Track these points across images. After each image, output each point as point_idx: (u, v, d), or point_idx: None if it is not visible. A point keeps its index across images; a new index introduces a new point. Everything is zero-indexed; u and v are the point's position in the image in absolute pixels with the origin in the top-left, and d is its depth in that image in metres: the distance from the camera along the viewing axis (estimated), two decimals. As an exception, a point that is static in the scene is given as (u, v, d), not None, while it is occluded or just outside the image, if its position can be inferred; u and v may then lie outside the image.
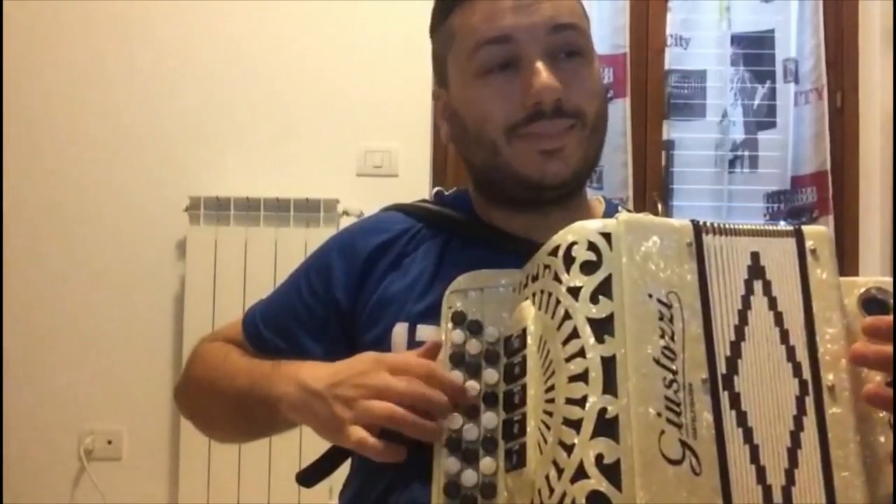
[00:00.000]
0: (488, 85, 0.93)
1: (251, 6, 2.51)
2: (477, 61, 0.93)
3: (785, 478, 0.68)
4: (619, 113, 2.49)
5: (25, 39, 2.50)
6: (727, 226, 0.75)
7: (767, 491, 0.68)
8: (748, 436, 0.69)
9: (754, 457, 0.68)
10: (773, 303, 0.73)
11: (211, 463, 2.33)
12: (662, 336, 0.68)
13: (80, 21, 2.51)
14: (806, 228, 0.75)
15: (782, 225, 0.76)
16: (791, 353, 0.72)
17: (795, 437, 0.69)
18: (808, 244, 0.74)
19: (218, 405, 0.99)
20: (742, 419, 0.69)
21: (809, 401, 0.70)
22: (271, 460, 2.30)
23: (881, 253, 2.38)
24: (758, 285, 0.73)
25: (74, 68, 2.51)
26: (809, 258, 0.74)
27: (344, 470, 1.04)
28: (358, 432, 0.78)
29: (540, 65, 0.91)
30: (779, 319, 0.72)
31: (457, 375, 0.79)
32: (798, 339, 0.72)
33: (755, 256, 0.74)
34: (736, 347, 0.71)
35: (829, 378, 0.71)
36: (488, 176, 0.97)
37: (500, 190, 0.97)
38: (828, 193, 2.48)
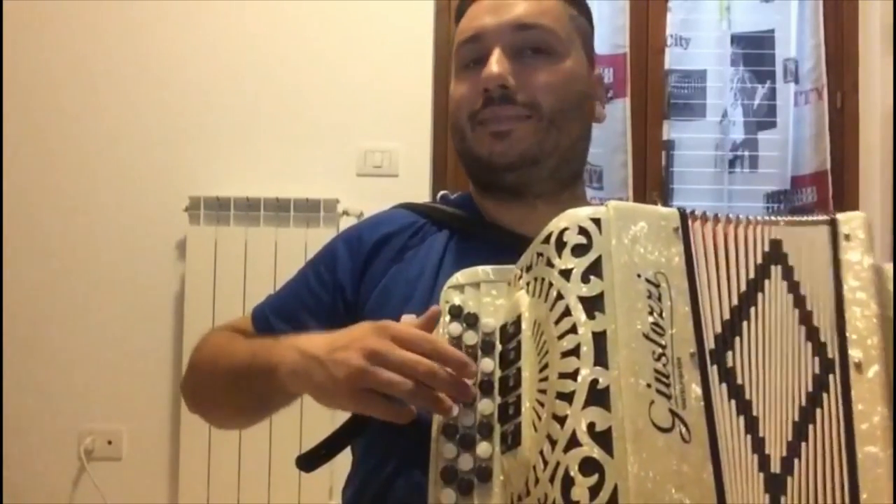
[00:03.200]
0: (461, 80, 1.03)
1: (251, 7, 2.52)
2: (457, 60, 1.05)
3: (787, 449, 0.70)
4: (619, 113, 2.49)
5: (25, 39, 2.51)
6: (751, 218, 0.78)
7: (764, 460, 0.69)
8: (744, 408, 0.70)
9: (750, 427, 0.70)
10: (793, 286, 0.75)
11: (211, 463, 2.32)
12: (651, 313, 0.70)
13: (80, 22, 2.52)
14: (842, 215, 0.78)
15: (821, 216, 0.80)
16: (812, 334, 0.73)
17: (807, 412, 0.71)
18: (843, 230, 0.76)
19: (220, 381, 1.00)
20: (736, 392, 0.71)
21: (833, 378, 0.72)
22: (271, 460, 2.30)
23: (881, 253, 2.38)
24: (776, 270, 0.76)
25: (74, 69, 2.51)
26: (843, 242, 0.76)
27: (344, 470, 1.04)
28: (366, 394, 0.77)
29: (494, 55, 0.98)
30: (799, 302, 0.75)
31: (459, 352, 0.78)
32: (823, 319, 0.74)
33: (775, 244, 0.77)
34: (731, 326, 0.73)
35: (856, 355, 0.72)
36: (462, 162, 1.06)
37: (470, 175, 1.06)
38: (828, 193, 2.48)
